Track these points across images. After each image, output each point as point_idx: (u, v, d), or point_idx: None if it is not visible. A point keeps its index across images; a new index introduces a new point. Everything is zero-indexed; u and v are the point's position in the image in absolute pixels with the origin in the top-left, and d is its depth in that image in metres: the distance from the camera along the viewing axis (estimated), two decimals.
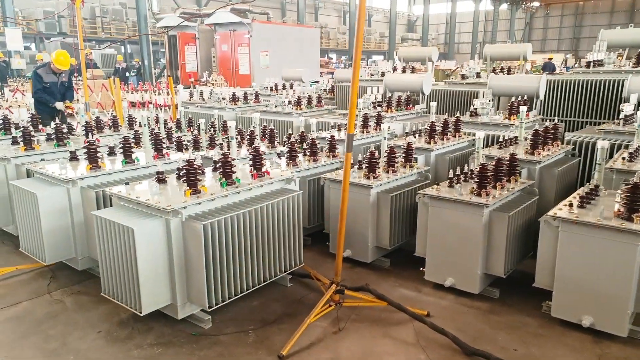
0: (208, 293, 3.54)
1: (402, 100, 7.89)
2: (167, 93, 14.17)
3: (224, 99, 9.75)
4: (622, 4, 49.69)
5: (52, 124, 5.82)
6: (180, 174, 3.77)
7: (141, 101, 18.59)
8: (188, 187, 3.67)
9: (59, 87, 7.85)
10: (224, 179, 3.89)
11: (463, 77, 9.48)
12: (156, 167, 4.87)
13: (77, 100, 11.22)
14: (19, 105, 14.04)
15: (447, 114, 8.01)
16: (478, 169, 4.05)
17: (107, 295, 3.74)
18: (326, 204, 4.94)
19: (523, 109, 5.52)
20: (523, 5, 52.70)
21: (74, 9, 28.41)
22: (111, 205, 4.16)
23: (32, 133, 5.47)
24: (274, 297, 4.21)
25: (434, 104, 6.33)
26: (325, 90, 12.78)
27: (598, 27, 49.93)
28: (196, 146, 5.85)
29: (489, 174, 4.06)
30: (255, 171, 4.16)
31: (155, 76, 26.75)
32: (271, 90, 12.08)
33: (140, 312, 3.46)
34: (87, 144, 4.49)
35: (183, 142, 5.78)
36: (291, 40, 22.86)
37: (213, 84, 19.69)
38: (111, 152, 5.07)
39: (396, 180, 4.76)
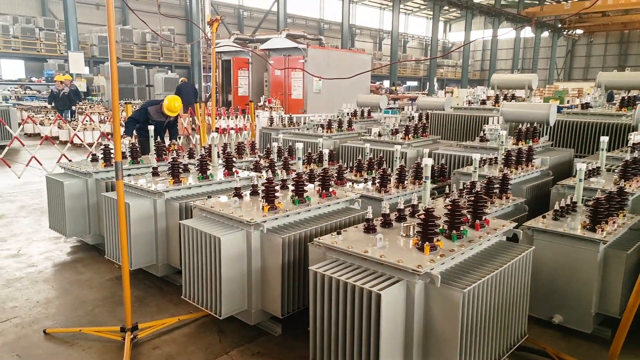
0: None
1: (527, 132, 7.20)
2: (246, 118, 13.88)
3: (320, 126, 9.25)
4: None
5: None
6: (413, 232, 3.13)
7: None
8: (427, 243, 3.05)
9: (164, 126, 8.07)
10: (453, 232, 3.27)
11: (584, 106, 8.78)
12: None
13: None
14: (93, 128, 13.90)
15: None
16: None
17: None
18: None
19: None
20: (565, 33, 51.82)
21: (128, 35, 28.72)
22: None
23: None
24: None
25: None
26: (409, 118, 12.20)
27: None
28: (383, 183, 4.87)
29: None
30: (477, 221, 3.53)
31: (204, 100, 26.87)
32: (352, 116, 11.60)
33: None
34: (266, 182, 3.94)
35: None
36: (343, 65, 22.66)
37: (271, 109, 19.61)
38: (284, 185, 4.56)
39: (615, 232, 3.99)
